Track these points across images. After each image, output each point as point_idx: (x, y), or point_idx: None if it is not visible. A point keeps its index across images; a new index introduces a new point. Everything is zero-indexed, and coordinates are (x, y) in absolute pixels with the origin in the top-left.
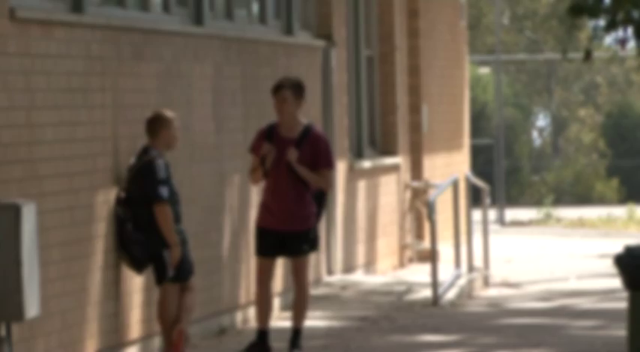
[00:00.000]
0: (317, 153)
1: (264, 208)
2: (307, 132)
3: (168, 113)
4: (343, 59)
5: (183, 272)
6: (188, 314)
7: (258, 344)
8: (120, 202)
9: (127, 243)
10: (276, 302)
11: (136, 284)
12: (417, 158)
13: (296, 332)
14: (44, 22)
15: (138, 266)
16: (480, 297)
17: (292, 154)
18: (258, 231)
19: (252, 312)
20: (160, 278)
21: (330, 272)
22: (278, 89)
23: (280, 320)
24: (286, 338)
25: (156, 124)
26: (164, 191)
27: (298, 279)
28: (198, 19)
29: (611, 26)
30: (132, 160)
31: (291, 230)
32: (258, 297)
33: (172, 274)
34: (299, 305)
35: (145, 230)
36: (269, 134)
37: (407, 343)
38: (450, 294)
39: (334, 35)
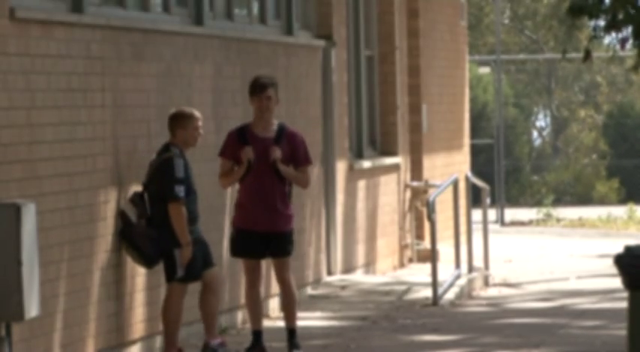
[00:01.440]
0: (296, 151)
1: (244, 210)
2: (282, 130)
3: (187, 112)
4: (343, 59)
5: (191, 274)
6: (212, 319)
7: (255, 346)
8: (134, 198)
9: (138, 238)
10: (276, 303)
11: (137, 283)
12: (417, 158)
13: (292, 333)
14: (44, 22)
15: (148, 263)
16: (479, 297)
17: (277, 153)
18: (240, 233)
19: None
20: (169, 276)
21: (330, 272)
22: (263, 88)
23: (280, 321)
24: (283, 338)
25: (173, 122)
26: (180, 190)
27: (285, 280)
28: (198, 19)
29: (611, 26)
30: (153, 156)
31: (276, 231)
32: (250, 299)
33: (182, 274)
34: (290, 306)
35: (158, 226)
36: (241, 136)
37: (407, 343)
38: (450, 294)
39: (334, 35)
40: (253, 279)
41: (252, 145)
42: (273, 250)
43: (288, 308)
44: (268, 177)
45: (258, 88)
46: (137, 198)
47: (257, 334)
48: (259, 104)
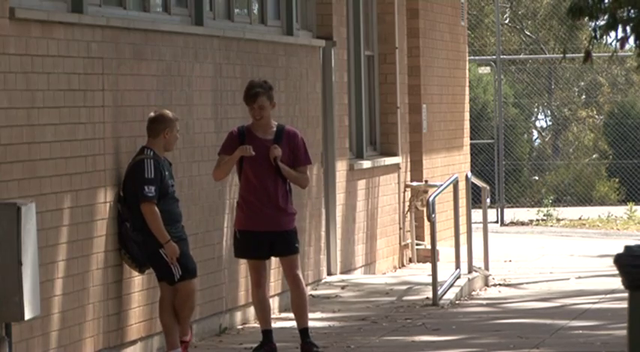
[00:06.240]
0: (296, 150)
1: (247, 211)
2: (281, 131)
3: (153, 114)
4: (343, 59)
5: (191, 269)
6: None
7: (266, 344)
8: (119, 201)
9: (126, 242)
10: (276, 303)
11: (136, 284)
12: (417, 158)
13: (305, 332)
14: (44, 22)
15: (138, 266)
16: (479, 297)
17: (277, 150)
18: (243, 235)
19: (252, 312)
20: (170, 279)
21: (330, 272)
22: (254, 97)
23: (280, 321)
24: (286, 339)
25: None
26: (150, 190)
27: (295, 278)
28: (198, 19)
29: (611, 26)
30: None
31: (280, 230)
32: (257, 299)
33: (180, 273)
34: (302, 304)
35: (141, 230)
36: (242, 137)
37: (407, 343)
38: (450, 294)
39: (334, 35)
40: (259, 279)
41: (253, 147)
42: (279, 250)
43: (300, 307)
44: (270, 177)
45: (250, 98)
46: (121, 201)
47: (266, 333)
48: (251, 112)
